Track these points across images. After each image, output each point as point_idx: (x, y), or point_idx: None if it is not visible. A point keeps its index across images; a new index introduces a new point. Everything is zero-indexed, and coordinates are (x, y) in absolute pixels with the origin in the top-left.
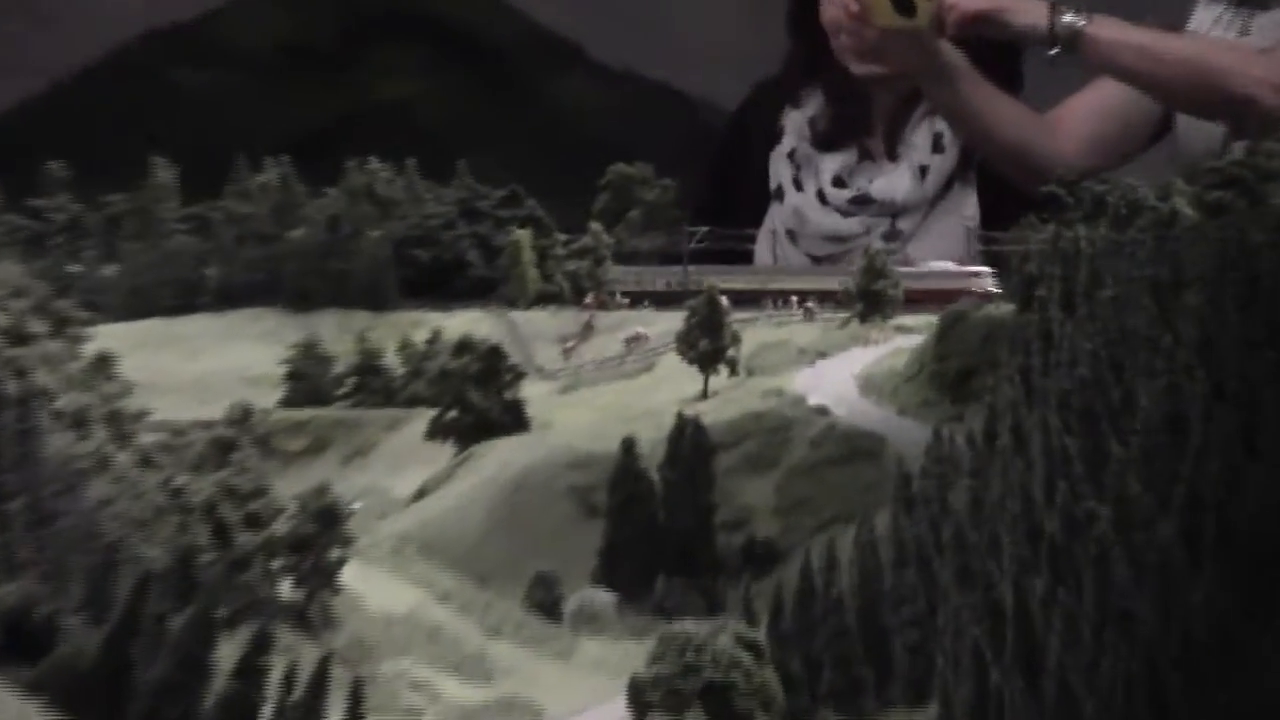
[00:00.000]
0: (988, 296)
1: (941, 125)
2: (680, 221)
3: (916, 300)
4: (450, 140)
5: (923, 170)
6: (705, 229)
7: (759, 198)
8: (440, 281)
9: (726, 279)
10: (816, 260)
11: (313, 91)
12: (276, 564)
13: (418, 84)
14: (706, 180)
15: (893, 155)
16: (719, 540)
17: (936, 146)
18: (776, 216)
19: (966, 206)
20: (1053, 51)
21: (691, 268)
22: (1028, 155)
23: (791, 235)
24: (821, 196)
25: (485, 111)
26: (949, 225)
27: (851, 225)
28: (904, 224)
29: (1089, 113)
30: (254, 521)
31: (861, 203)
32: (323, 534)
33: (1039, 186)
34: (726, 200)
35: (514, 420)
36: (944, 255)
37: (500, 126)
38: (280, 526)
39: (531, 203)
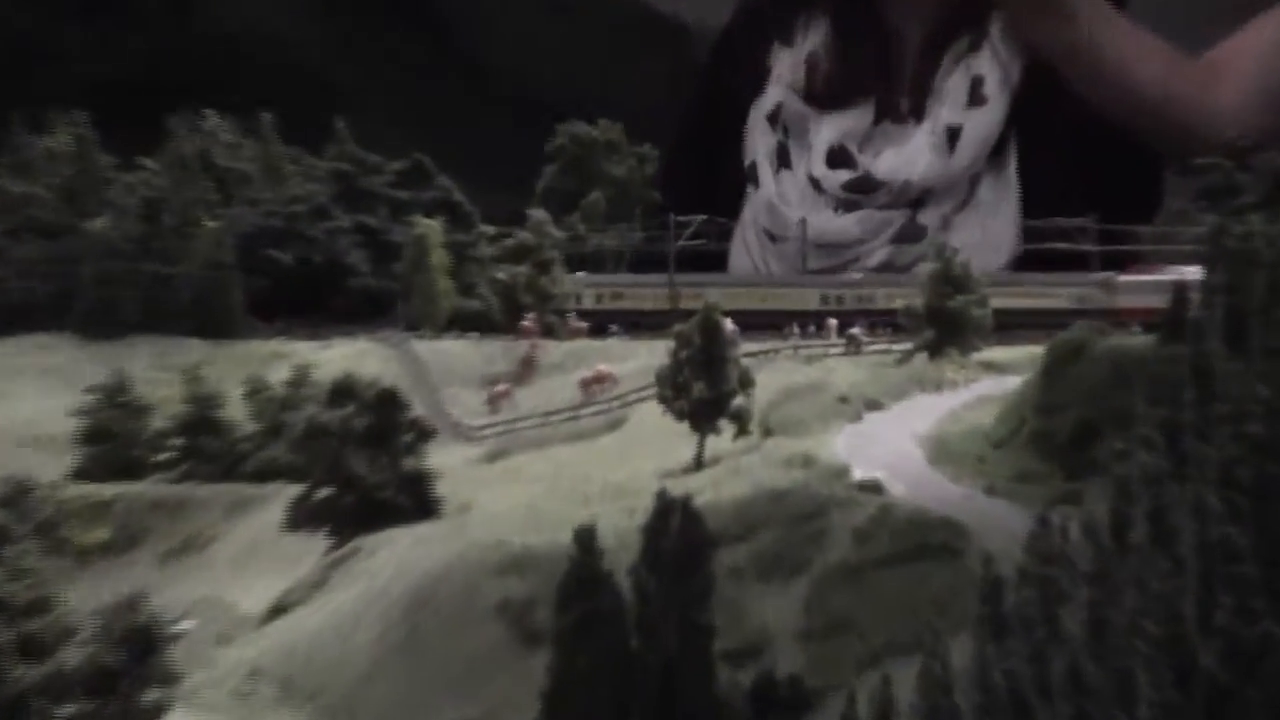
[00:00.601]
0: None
1: (983, 65)
2: (664, 208)
3: (1023, 325)
4: (324, 87)
5: (951, 135)
6: (701, 218)
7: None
8: (309, 296)
9: (732, 293)
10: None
11: (119, 14)
12: (66, 710)
13: (275, 5)
14: (680, 149)
15: (920, 112)
16: (720, 678)
17: (975, 98)
18: (749, 208)
19: (1009, 187)
20: None
21: (682, 277)
22: (1174, 112)
23: (770, 238)
24: (813, 180)
25: (375, 46)
26: (999, 215)
27: (846, 226)
28: (928, 216)
29: (1258, 56)
30: (32, 648)
31: (860, 188)
32: (134, 667)
33: (1187, 156)
34: (712, 178)
35: (417, 501)
36: (993, 257)
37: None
38: (71, 655)
39: (444, 180)
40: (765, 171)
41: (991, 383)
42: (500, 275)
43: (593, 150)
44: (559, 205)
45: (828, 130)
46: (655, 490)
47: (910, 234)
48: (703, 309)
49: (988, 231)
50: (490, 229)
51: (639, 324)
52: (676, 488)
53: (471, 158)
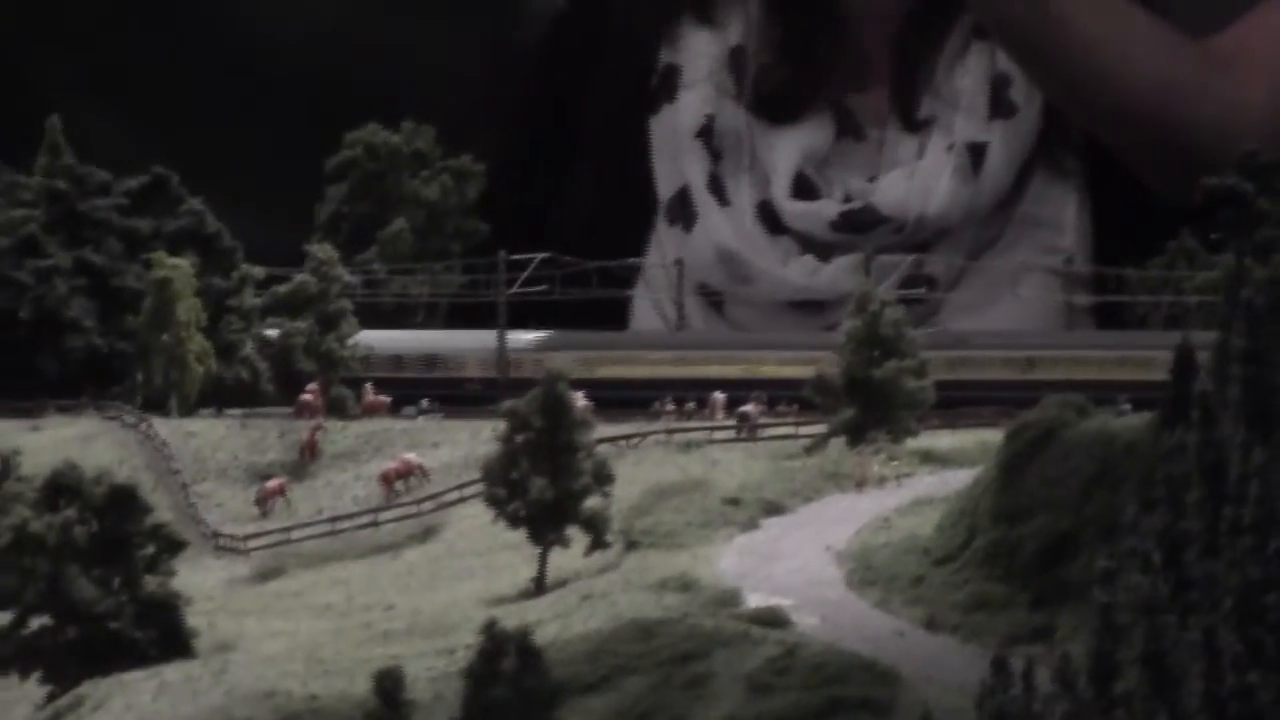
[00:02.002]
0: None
1: (1006, 60)
2: (492, 242)
3: (969, 401)
4: (27, 83)
5: (974, 154)
6: (539, 256)
7: (622, 205)
8: (13, 360)
9: (584, 357)
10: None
11: None
12: None
13: None
14: (512, 162)
15: (911, 122)
16: None
17: (1000, 103)
18: (675, 252)
19: (1058, 224)
20: None
21: (517, 335)
22: (1182, 111)
23: (710, 296)
24: (768, 216)
25: (96, 27)
26: (1028, 262)
27: (831, 278)
28: (937, 264)
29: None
30: None
31: (854, 226)
32: None
33: (1197, 171)
34: (560, 199)
35: (162, 635)
36: (1017, 319)
37: (128, 57)
38: None
39: (195, 204)
40: (705, 206)
41: (932, 479)
42: (271, 332)
43: (394, 164)
44: (350, 238)
45: (786, 149)
46: (481, 623)
47: (916, 282)
48: (545, 378)
49: (1015, 282)
50: (258, 270)
51: (458, 398)
52: (510, 619)
53: (231, 174)
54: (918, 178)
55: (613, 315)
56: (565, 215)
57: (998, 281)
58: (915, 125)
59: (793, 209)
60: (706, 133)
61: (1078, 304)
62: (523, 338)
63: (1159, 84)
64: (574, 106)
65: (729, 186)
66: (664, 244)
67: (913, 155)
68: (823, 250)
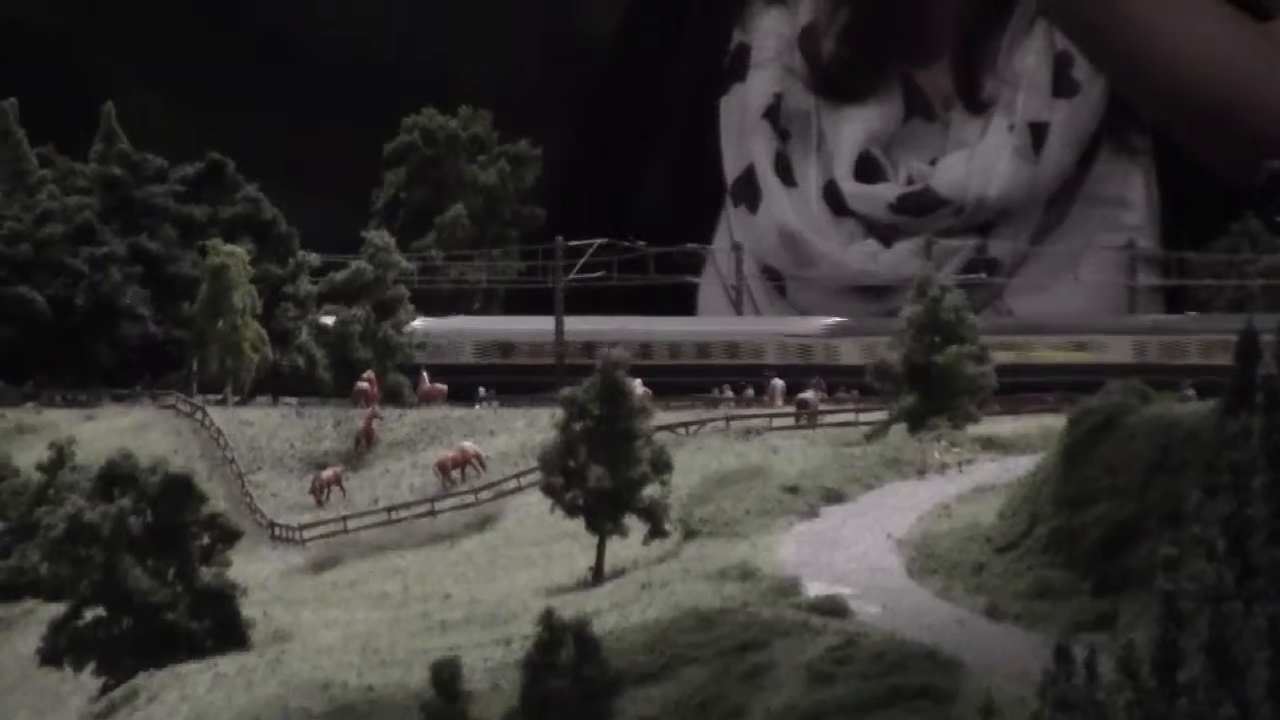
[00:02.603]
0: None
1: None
2: (549, 226)
3: (1031, 387)
4: (84, 68)
5: (1036, 133)
6: (598, 241)
7: (693, 188)
8: (68, 348)
9: (642, 343)
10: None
11: None
12: None
13: None
14: (579, 145)
15: (974, 103)
16: None
17: (1063, 82)
18: (740, 234)
19: (1124, 203)
20: None
21: (574, 320)
22: (1245, 95)
23: (773, 278)
24: (833, 198)
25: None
26: (1091, 244)
27: (893, 262)
28: (999, 247)
29: None
30: None
31: (915, 208)
32: None
33: (1260, 154)
34: (631, 185)
35: (217, 626)
36: (1081, 304)
37: (185, 42)
38: None
39: (251, 190)
40: (771, 187)
41: (994, 466)
42: (328, 319)
43: (451, 149)
44: (407, 224)
45: (851, 130)
46: (539, 613)
47: (979, 267)
48: (602, 364)
49: (1079, 266)
50: (315, 257)
51: (517, 386)
52: (567, 609)
53: (288, 160)
54: (978, 159)
55: (675, 301)
56: (633, 200)
57: (1061, 264)
58: (978, 106)
59: (854, 191)
60: (774, 112)
61: (1142, 286)
62: (817, 323)
63: (1220, 67)
64: (646, 88)
65: (796, 167)
66: (731, 227)
67: (976, 136)
68: (885, 234)
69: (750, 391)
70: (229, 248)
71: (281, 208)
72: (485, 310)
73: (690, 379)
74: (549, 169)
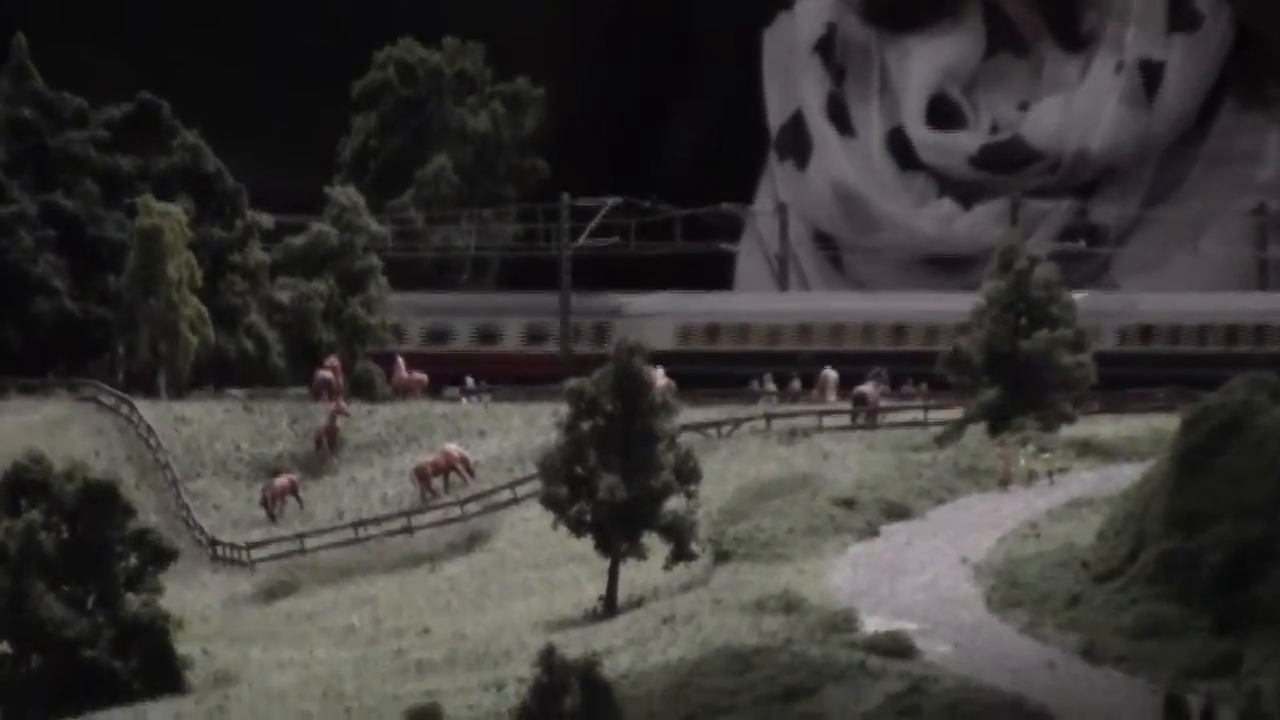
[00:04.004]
0: None
1: None
2: (553, 182)
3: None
4: None
5: (1149, 75)
6: (612, 200)
7: (730, 138)
8: None
9: (667, 324)
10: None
11: None
12: None
13: None
14: (590, 85)
15: (1073, 37)
16: None
17: (1181, 13)
18: (787, 193)
19: (1255, 160)
20: None
21: (582, 297)
22: None
23: (826, 245)
24: (900, 148)
25: None
26: (1216, 208)
27: (973, 227)
28: (1104, 211)
29: None
30: None
31: (999, 162)
32: None
33: None
34: (651, 133)
35: (148, 668)
36: (1202, 278)
37: None
38: None
39: (191, 137)
40: (824, 136)
41: (1092, 476)
42: (283, 295)
43: (434, 88)
44: (380, 179)
45: (921, 66)
46: (537, 652)
47: (1081, 234)
48: (617, 350)
49: (1202, 232)
50: (267, 218)
51: (513, 376)
52: (573, 646)
53: (235, 101)
54: (1078, 104)
55: (706, 273)
56: (655, 151)
57: (1178, 233)
58: (1078, 40)
59: (927, 139)
60: (826, 45)
61: (1275, 259)
62: (590, 298)
63: None
64: (673, 16)
65: (854, 112)
66: (775, 185)
67: (1076, 77)
68: (964, 192)
69: (797, 384)
70: (163, 207)
71: (227, 159)
72: (475, 283)
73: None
74: (553, 113)
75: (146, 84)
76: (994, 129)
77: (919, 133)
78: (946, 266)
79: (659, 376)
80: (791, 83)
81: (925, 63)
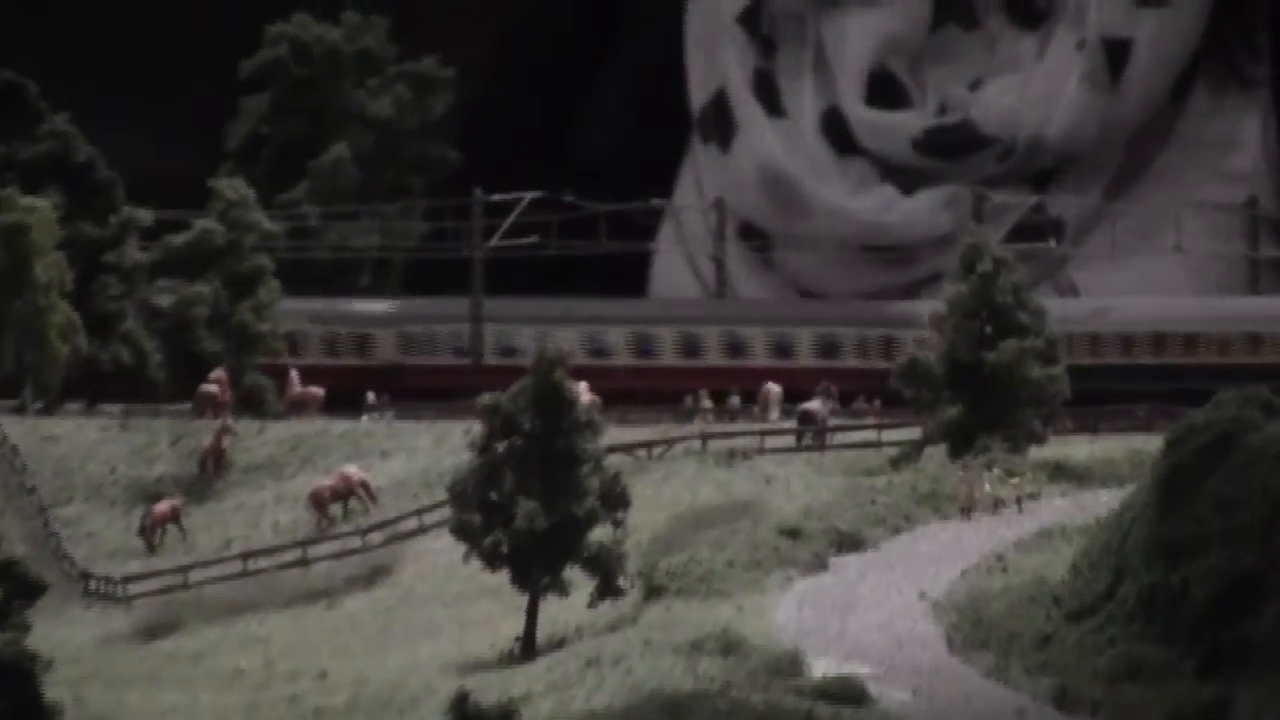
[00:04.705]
0: None
1: None
2: (464, 174)
3: (1116, 396)
4: None
5: (1114, 53)
6: (528, 196)
7: (652, 121)
8: None
9: (590, 332)
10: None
11: None
12: None
13: None
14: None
15: (1025, 10)
16: None
17: None
18: (709, 179)
19: (1232, 147)
20: None
21: (496, 304)
22: None
23: (754, 240)
24: (836, 130)
25: None
26: (1191, 200)
27: (911, 215)
28: (1063, 204)
29: None
30: None
31: (944, 147)
32: None
33: None
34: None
35: (13, 715)
36: (1178, 279)
37: None
38: None
39: (61, 123)
40: (750, 115)
41: (1065, 503)
42: (163, 300)
43: (332, 68)
44: (272, 169)
45: (860, 38)
46: (448, 697)
47: (1035, 233)
48: (539, 359)
49: (1167, 228)
50: (145, 214)
51: (418, 389)
52: (488, 692)
53: (108, 81)
54: (1035, 84)
55: (627, 274)
56: (571, 137)
57: (1148, 227)
58: (1032, 15)
59: (865, 119)
60: (752, 15)
61: (1262, 258)
62: (505, 305)
63: None
64: None
65: (784, 89)
66: (700, 172)
67: (1033, 54)
68: (907, 179)
69: (736, 400)
70: (29, 201)
71: (101, 146)
72: (377, 287)
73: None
74: (463, 97)
75: (8, 62)
76: (941, 110)
77: (857, 112)
78: (885, 259)
79: (583, 392)
80: (714, 57)
81: (864, 34)
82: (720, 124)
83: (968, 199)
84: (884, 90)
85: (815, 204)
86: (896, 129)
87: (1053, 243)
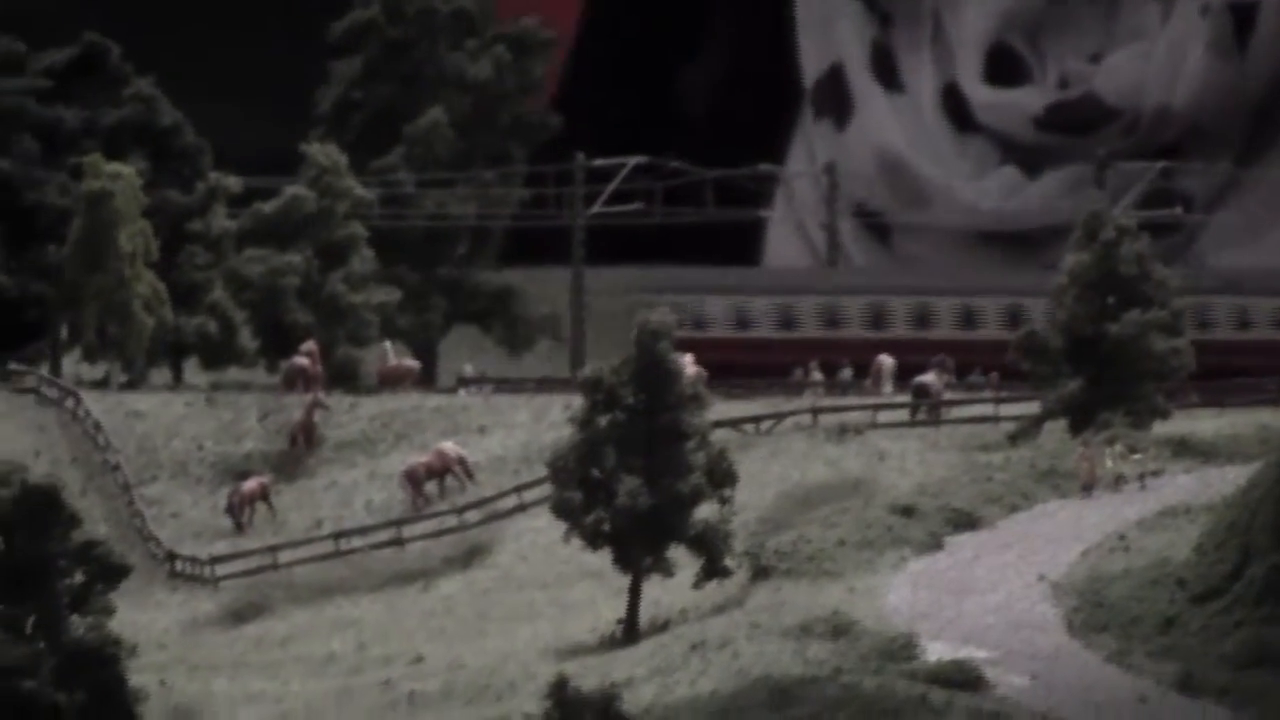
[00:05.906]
0: None
1: None
2: (566, 140)
3: (1243, 370)
4: None
5: (1240, 17)
6: (633, 161)
7: (759, 93)
8: None
9: (696, 305)
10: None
11: None
12: None
13: None
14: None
15: None
16: None
17: None
18: (824, 157)
19: None
20: None
21: (597, 272)
22: None
23: (866, 218)
24: (955, 107)
25: None
26: None
27: (1040, 199)
28: (1191, 175)
29: None
30: None
31: (1067, 122)
32: None
33: None
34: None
35: (96, 701)
36: None
37: None
38: None
39: (146, 86)
40: (866, 91)
41: (1190, 480)
42: (252, 269)
43: (427, 29)
44: (364, 135)
45: (979, 11)
46: (548, 683)
47: (1162, 199)
48: (639, 331)
49: None
50: (233, 181)
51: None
52: (588, 677)
53: (195, 46)
54: (1158, 54)
55: (737, 245)
56: (678, 105)
57: (1276, 199)
58: None
59: (985, 98)
60: None
61: None
62: (607, 274)
63: None
64: None
65: (902, 64)
66: (811, 146)
67: (1156, 23)
68: (1029, 158)
69: (848, 372)
70: (114, 168)
71: (187, 111)
72: (475, 256)
73: None
74: (565, 61)
75: (93, 24)
76: (1062, 84)
77: (976, 90)
78: (1009, 244)
79: (688, 364)
80: (829, 29)
81: (983, 7)
82: (836, 100)
83: (1105, 174)
84: (1002, 65)
85: (933, 194)
86: (1017, 106)
87: (1179, 209)
